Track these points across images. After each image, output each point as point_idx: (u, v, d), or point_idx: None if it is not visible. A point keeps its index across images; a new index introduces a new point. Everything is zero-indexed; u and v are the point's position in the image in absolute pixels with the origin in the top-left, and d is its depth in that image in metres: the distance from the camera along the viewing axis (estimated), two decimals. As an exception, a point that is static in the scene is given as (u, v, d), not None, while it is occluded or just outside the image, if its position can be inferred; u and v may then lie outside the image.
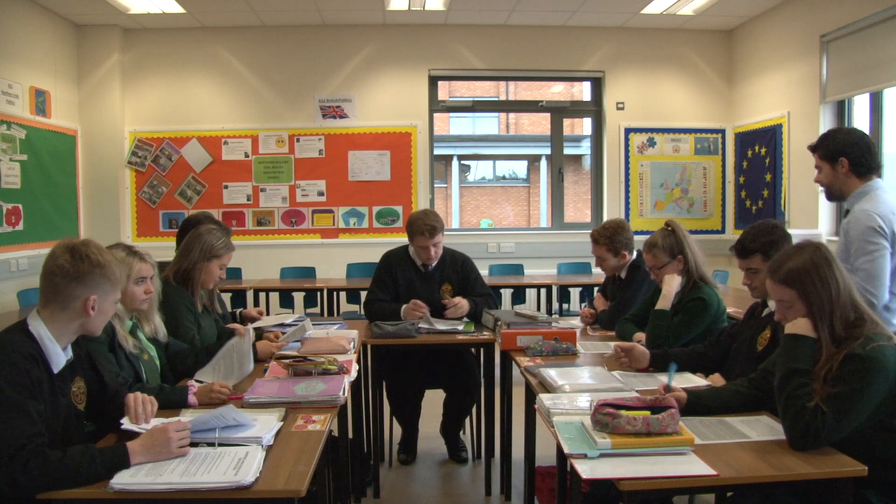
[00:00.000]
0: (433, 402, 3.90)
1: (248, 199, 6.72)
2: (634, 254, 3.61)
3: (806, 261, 1.95)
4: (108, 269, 1.88)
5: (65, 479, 1.65)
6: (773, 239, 2.43)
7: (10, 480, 1.62)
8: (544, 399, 2.18)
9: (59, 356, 1.86)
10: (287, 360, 2.57)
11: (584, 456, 1.76)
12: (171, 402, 2.22)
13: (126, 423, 1.93)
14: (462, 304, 3.64)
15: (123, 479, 1.65)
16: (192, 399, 2.27)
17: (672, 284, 3.01)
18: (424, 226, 3.62)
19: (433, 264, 3.75)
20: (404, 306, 3.61)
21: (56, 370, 1.84)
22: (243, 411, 2.03)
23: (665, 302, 2.99)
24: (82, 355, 2.00)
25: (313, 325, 3.57)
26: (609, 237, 3.52)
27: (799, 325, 1.96)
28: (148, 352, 2.47)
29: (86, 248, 1.88)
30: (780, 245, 2.36)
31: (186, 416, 1.99)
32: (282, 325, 3.48)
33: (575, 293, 6.32)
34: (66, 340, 1.89)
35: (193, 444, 1.83)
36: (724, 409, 2.13)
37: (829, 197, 2.90)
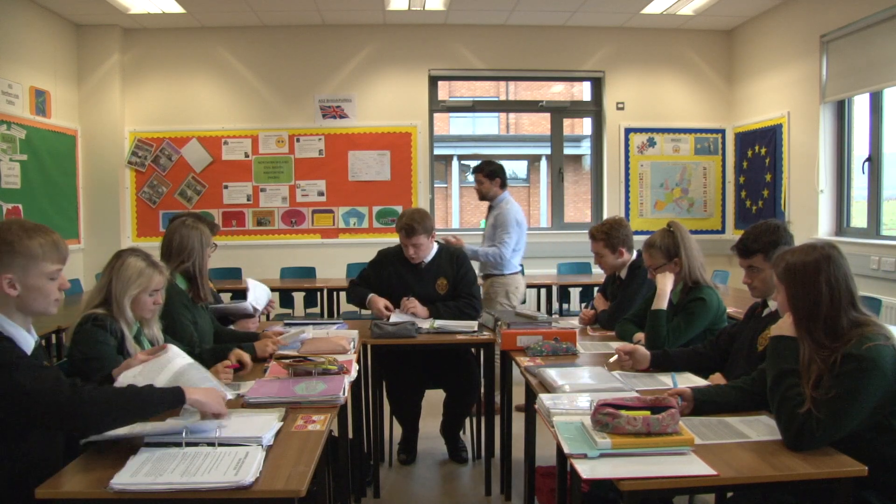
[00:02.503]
0: (433, 402, 3.90)
1: (248, 199, 6.72)
2: (634, 253, 3.61)
3: (801, 261, 1.94)
4: (16, 245, 1.78)
5: (126, 407, 1.75)
6: (775, 239, 2.43)
7: (78, 412, 1.70)
8: (544, 399, 2.18)
9: (26, 338, 1.84)
10: (287, 360, 2.56)
11: (585, 456, 1.76)
12: None
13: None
14: (416, 307, 3.62)
15: (124, 479, 1.64)
16: None
17: (666, 283, 3.01)
18: (403, 225, 3.63)
19: (418, 262, 3.74)
20: (371, 296, 3.66)
21: (28, 351, 1.82)
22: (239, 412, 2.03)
23: (661, 301, 2.98)
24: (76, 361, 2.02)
25: (314, 325, 3.58)
26: (606, 233, 3.54)
27: (782, 327, 1.98)
28: (148, 357, 2.47)
29: None
30: (782, 246, 2.37)
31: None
32: (287, 324, 3.50)
33: (575, 293, 6.32)
34: (23, 322, 1.84)
35: (193, 444, 1.83)
36: (730, 406, 2.13)
37: (481, 198, 4.81)
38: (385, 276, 3.75)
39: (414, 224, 3.60)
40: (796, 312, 1.94)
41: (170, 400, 1.84)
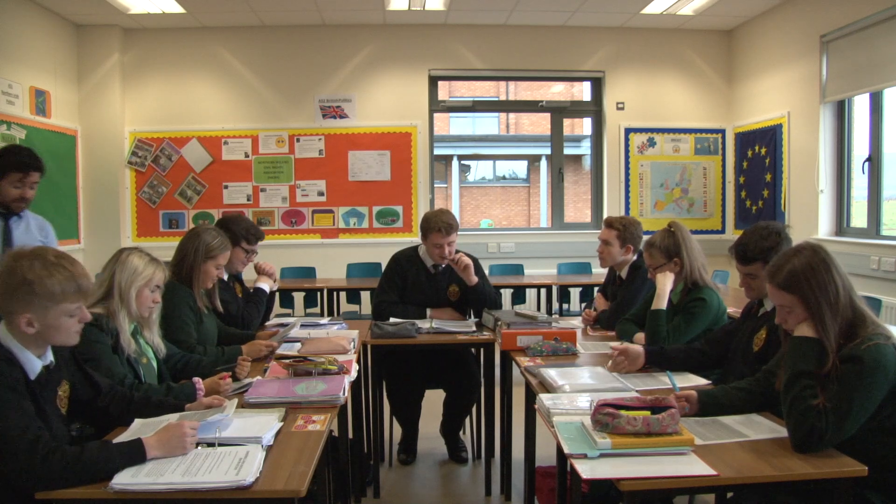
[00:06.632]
0: (433, 402, 3.90)
1: (248, 199, 6.72)
2: (636, 255, 3.62)
3: (804, 264, 1.93)
4: (36, 286, 1.74)
5: (83, 473, 1.65)
6: (771, 245, 2.42)
7: (29, 473, 1.62)
8: (544, 399, 2.18)
9: (33, 362, 1.80)
10: (287, 360, 2.57)
11: (585, 456, 1.76)
12: (181, 400, 2.21)
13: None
14: (465, 259, 3.64)
15: (124, 479, 1.64)
16: (200, 395, 2.29)
17: (665, 283, 3.01)
18: (441, 222, 3.61)
19: (444, 264, 3.73)
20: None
21: (32, 376, 1.79)
22: (242, 412, 2.03)
23: (660, 301, 2.98)
24: (66, 356, 1.97)
25: (314, 325, 3.59)
26: (624, 226, 3.59)
27: (805, 328, 1.94)
28: (146, 355, 2.47)
29: (19, 261, 1.77)
30: (780, 251, 2.35)
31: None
32: (281, 325, 3.51)
33: (575, 293, 6.32)
34: (37, 349, 1.81)
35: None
36: (735, 408, 2.13)
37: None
38: (403, 279, 3.75)
39: (453, 222, 3.64)
40: (818, 314, 1.90)
41: (128, 458, 1.71)
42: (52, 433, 1.77)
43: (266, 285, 3.63)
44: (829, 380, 1.84)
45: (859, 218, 5.47)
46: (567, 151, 7.85)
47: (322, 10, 6.25)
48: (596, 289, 4.45)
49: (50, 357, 1.87)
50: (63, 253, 1.87)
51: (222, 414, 1.94)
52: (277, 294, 5.93)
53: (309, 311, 5.96)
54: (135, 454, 1.72)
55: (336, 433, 2.76)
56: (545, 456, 3.28)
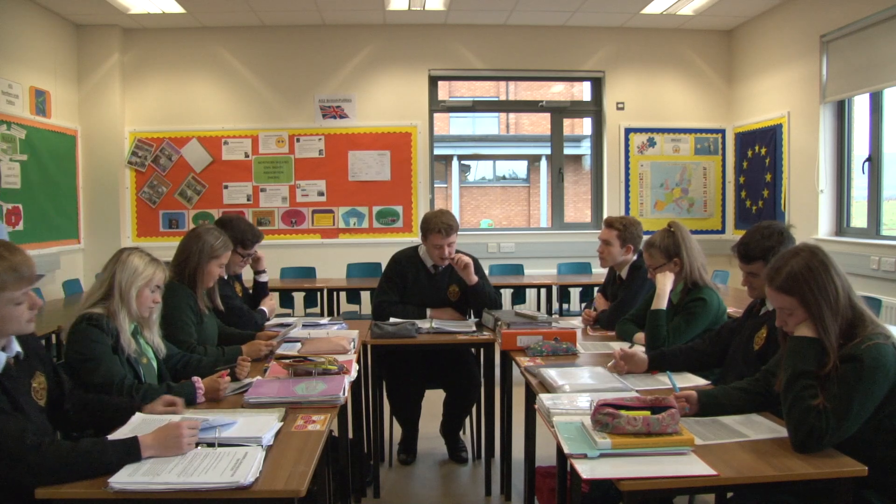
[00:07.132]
0: (433, 402, 3.90)
1: (248, 199, 6.72)
2: (636, 255, 3.62)
3: (803, 266, 1.92)
4: None
5: (77, 467, 1.65)
6: (773, 245, 2.42)
7: (22, 464, 1.62)
8: (544, 399, 2.18)
9: None
10: (287, 360, 2.56)
11: (584, 456, 1.76)
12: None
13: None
14: (465, 259, 3.64)
15: (122, 479, 1.64)
16: (200, 396, 2.29)
17: (665, 283, 3.01)
18: (441, 223, 3.61)
19: (444, 265, 3.73)
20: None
21: None
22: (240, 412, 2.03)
23: (660, 301, 2.98)
24: (37, 348, 1.96)
25: (314, 325, 3.58)
26: (624, 225, 3.60)
27: (805, 328, 1.93)
28: (146, 355, 2.47)
29: None
30: (781, 250, 2.35)
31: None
32: (281, 325, 3.51)
33: (575, 293, 6.32)
34: None
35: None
36: (735, 408, 2.12)
37: None
38: (403, 279, 3.75)
39: (453, 223, 3.64)
40: (818, 315, 1.89)
41: (123, 455, 1.71)
42: (35, 426, 1.76)
43: (268, 310, 3.66)
44: (829, 380, 1.84)
45: (859, 218, 5.47)
46: (567, 151, 7.86)
47: (322, 10, 6.25)
48: (596, 289, 4.45)
49: (16, 348, 1.85)
50: (1, 241, 1.85)
51: (225, 419, 1.93)
52: (278, 294, 5.99)
53: (309, 311, 5.96)
54: (130, 451, 1.72)
55: (336, 433, 2.76)
56: (545, 456, 3.27)
